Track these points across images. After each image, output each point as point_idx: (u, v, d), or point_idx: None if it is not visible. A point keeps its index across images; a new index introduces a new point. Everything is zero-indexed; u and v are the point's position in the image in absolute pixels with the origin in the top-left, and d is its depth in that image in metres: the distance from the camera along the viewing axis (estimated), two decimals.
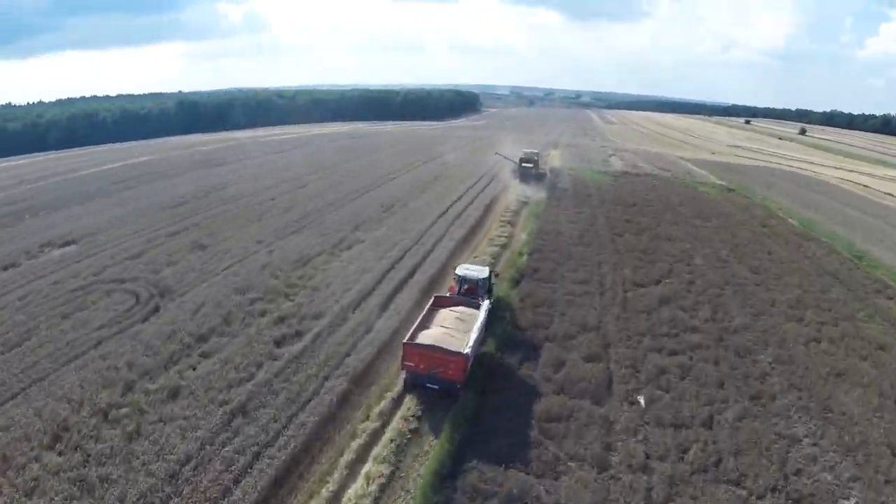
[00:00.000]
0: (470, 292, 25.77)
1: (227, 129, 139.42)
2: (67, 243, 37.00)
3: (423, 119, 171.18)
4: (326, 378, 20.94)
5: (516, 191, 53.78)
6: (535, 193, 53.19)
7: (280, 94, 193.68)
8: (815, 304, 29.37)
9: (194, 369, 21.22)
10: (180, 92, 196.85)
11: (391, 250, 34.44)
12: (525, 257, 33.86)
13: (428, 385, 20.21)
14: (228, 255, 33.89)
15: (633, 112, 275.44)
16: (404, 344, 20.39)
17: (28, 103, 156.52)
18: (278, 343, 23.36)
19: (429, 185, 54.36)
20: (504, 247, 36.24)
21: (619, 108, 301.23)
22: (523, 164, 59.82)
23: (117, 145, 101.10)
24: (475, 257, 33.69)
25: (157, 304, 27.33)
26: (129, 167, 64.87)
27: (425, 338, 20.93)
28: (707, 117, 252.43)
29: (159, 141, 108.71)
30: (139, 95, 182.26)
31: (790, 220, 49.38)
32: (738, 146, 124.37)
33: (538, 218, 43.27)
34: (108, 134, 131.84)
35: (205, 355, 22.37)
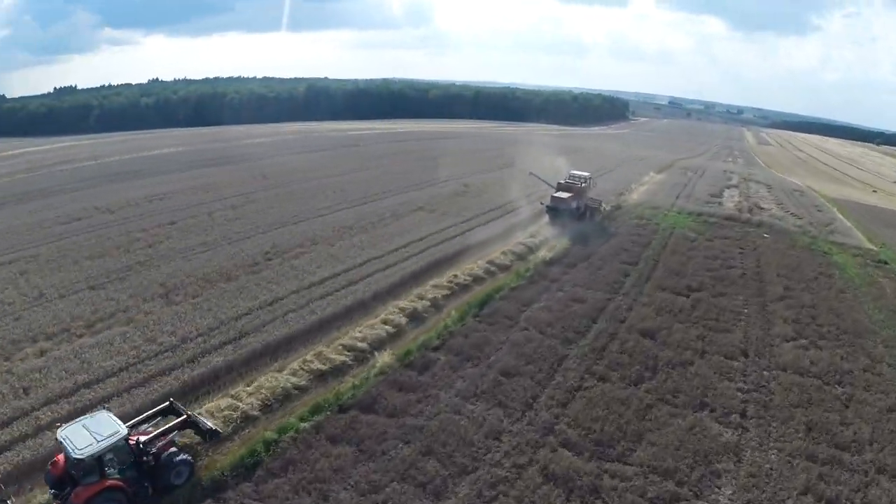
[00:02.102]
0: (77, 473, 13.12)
1: (342, 119, 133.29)
2: None
3: (562, 123, 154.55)
4: None
5: (525, 236, 34.75)
6: (552, 244, 33.75)
7: (413, 86, 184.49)
8: None
9: None
10: (326, 78, 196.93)
11: (108, 359, 18.86)
12: (289, 434, 15.78)
13: None
14: None
15: (796, 133, 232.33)
16: None
17: (174, 80, 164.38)
18: None
19: (394, 219, 36.79)
20: (305, 391, 17.94)
21: (781, 128, 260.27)
22: (556, 195, 39.80)
23: (214, 129, 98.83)
24: (216, 410, 16.65)
25: None
26: (128, 161, 56.07)
27: None
28: (875, 146, 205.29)
29: (260, 127, 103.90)
30: (285, 79, 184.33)
31: None
32: None
33: (484, 308, 24.20)
34: (232, 115, 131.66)
35: None
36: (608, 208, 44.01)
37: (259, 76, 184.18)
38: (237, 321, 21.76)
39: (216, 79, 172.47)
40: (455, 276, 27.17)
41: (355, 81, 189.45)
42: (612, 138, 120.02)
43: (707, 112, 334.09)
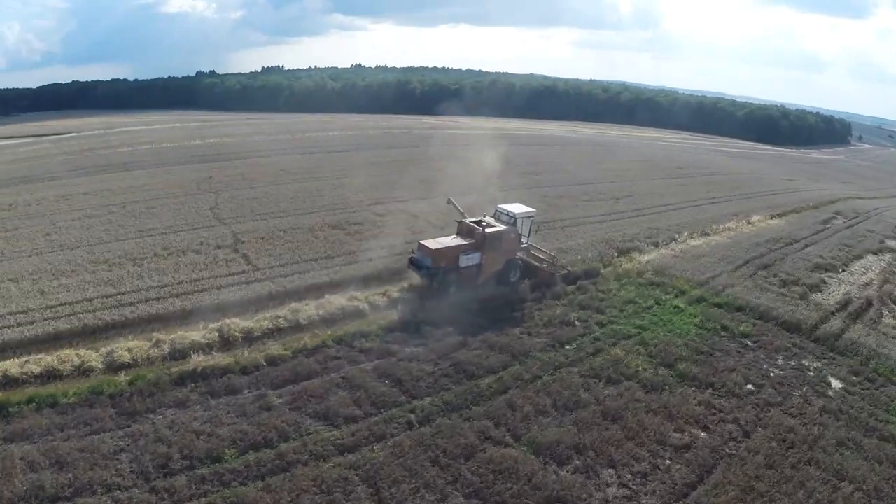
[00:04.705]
0: None
1: (508, 117, 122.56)
2: None
3: (768, 141, 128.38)
4: None
5: (280, 313, 21.37)
6: (293, 338, 20.28)
7: (605, 89, 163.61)
8: None
9: None
10: (531, 75, 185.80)
11: None
12: None
13: None
14: None
15: None
16: None
17: (375, 66, 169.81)
18: None
19: (175, 255, 26.10)
20: None
21: None
22: (426, 244, 23.70)
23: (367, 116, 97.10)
24: None
25: None
26: (150, 151, 53.32)
27: None
28: None
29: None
30: (483, 72, 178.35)
31: None
32: None
33: None
34: (413, 104, 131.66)
35: None
36: (560, 272, 27.03)
37: (464, 68, 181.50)
38: None
39: (421, 68, 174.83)
40: None
41: (553, 79, 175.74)
42: (798, 163, 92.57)
43: None
